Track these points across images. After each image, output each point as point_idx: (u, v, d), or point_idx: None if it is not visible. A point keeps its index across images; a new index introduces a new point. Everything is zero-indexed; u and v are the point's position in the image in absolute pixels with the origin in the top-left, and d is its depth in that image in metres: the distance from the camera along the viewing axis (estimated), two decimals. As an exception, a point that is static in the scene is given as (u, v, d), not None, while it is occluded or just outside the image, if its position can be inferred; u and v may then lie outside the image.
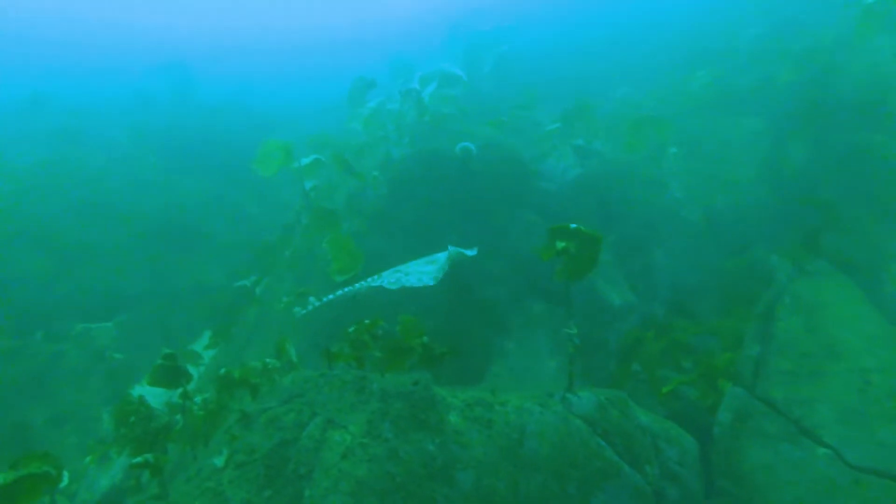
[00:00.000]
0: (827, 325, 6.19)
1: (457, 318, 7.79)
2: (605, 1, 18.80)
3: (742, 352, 6.26)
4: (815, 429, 5.37)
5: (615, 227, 9.14)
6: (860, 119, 9.43)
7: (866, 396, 5.41)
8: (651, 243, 9.17)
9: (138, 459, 4.80)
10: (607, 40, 17.13)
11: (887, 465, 4.93)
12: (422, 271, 7.11)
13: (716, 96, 12.25)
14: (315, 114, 19.50)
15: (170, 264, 13.01)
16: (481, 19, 19.64)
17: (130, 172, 15.18)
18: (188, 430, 5.64)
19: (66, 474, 4.85)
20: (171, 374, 5.68)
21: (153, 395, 6.58)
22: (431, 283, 6.83)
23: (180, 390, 5.73)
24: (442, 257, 6.94)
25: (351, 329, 5.77)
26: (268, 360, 5.94)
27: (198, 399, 5.98)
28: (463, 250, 7.05)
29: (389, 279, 7.10)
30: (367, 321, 5.78)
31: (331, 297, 7.27)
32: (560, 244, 5.48)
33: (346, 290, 7.23)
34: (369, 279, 7.30)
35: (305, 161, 9.83)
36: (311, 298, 7.45)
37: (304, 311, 7.46)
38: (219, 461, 4.65)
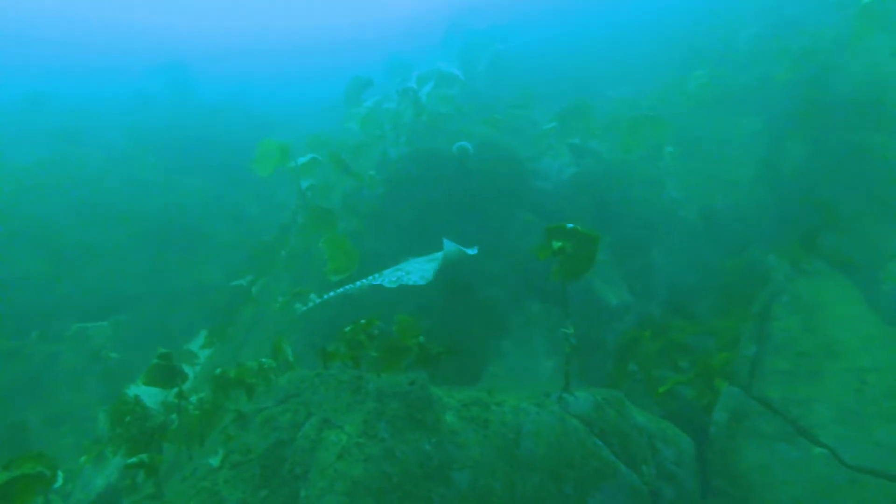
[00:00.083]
0: (824, 325, 6.19)
1: (453, 317, 7.77)
2: (603, 0, 18.80)
3: (739, 351, 6.25)
4: (811, 428, 5.37)
5: (612, 227, 9.13)
6: (858, 118, 9.43)
7: (863, 396, 5.41)
8: (648, 243, 9.16)
9: (133, 460, 4.79)
10: (605, 39, 17.13)
11: (884, 464, 4.92)
12: (423, 269, 7.13)
13: (714, 96, 12.25)
14: (314, 113, 19.50)
15: (168, 264, 13.00)
16: (478, 18, 19.66)
17: (129, 172, 15.18)
18: (184, 430, 5.63)
19: (60, 475, 4.84)
20: (166, 374, 5.66)
21: (149, 395, 6.57)
22: (431, 278, 6.86)
23: (176, 390, 5.72)
24: (441, 255, 6.95)
25: (347, 329, 5.76)
26: (264, 359, 5.92)
27: (193, 399, 5.96)
28: (463, 248, 7.05)
29: (390, 277, 7.12)
30: (363, 321, 5.77)
31: (332, 294, 7.28)
32: (557, 244, 5.47)
33: (347, 287, 7.25)
34: (370, 277, 7.32)
35: (302, 160, 9.82)
36: (312, 296, 7.46)
37: (305, 308, 7.46)
38: (214, 461, 4.64)
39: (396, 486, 4.38)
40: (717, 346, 7.14)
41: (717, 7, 15.40)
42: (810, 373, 5.76)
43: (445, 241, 6.77)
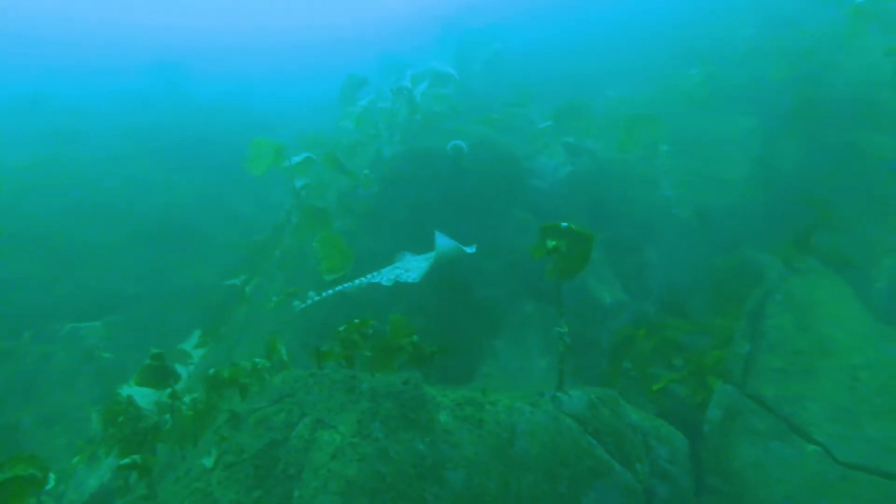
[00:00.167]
0: (817, 323, 6.22)
1: (447, 316, 7.77)
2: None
3: (732, 349, 6.27)
4: (804, 426, 5.39)
5: (607, 226, 9.13)
6: (853, 118, 9.48)
7: (856, 394, 5.43)
8: (643, 242, 9.17)
9: (126, 461, 4.77)
10: (601, 38, 17.13)
11: (875, 461, 4.95)
12: (421, 267, 7.14)
13: (709, 94, 12.27)
14: (311, 112, 19.47)
15: (163, 264, 12.96)
16: (474, 17, 19.65)
17: (125, 172, 15.14)
18: (177, 431, 5.61)
19: (52, 476, 4.82)
20: (159, 374, 5.64)
21: (143, 395, 6.54)
22: (423, 274, 6.87)
23: (169, 390, 5.70)
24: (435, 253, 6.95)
25: (341, 328, 5.75)
26: (257, 359, 5.91)
27: (187, 399, 5.94)
28: (461, 246, 7.04)
29: (389, 276, 7.13)
30: (357, 320, 5.76)
31: (330, 291, 7.28)
32: (551, 243, 5.47)
33: (346, 285, 7.25)
34: (369, 276, 7.33)
35: (296, 160, 9.79)
36: (311, 293, 7.45)
37: (303, 306, 7.45)
38: (208, 462, 4.62)
39: (390, 485, 4.38)
40: (711, 345, 7.15)
41: (713, 6, 15.43)
42: (803, 371, 5.78)
43: (439, 235, 6.75)
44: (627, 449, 5.23)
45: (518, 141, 10.47)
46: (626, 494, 4.99)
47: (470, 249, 7.31)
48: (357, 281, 7.29)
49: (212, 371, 5.84)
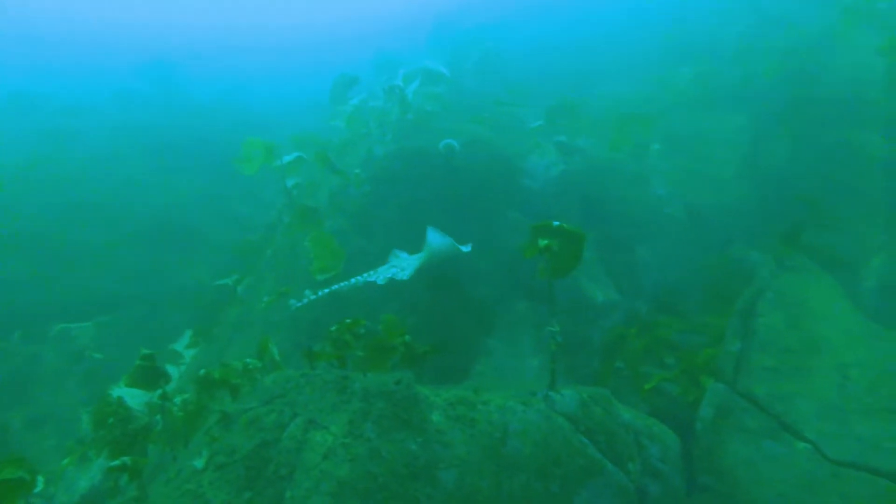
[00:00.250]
0: (808, 322, 6.24)
1: (440, 315, 7.76)
2: (591, -1, 18.86)
3: (723, 348, 6.28)
4: (795, 424, 5.41)
5: (599, 225, 9.14)
6: (842, 115, 9.52)
7: (846, 392, 5.46)
8: (635, 240, 9.19)
9: (116, 462, 4.74)
10: (593, 37, 17.16)
11: (865, 458, 4.98)
12: (415, 265, 7.15)
13: (700, 93, 12.32)
14: (304, 111, 19.42)
15: (156, 264, 12.90)
16: (467, 16, 19.62)
17: (122, 172, 15.07)
18: (168, 431, 5.57)
19: (40, 479, 4.78)
20: (149, 375, 5.61)
21: (134, 396, 6.49)
22: (415, 271, 6.87)
23: (160, 391, 5.66)
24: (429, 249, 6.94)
25: (333, 328, 5.73)
26: (249, 359, 5.88)
27: (178, 400, 5.90)
28: (456, 244, 7.02)
29: (385, 275, 7.13)
30: (349, 320, 5.74)
31: (326, 290, 7.26)
32: (543, 242, 5.46)
33: (342, 284, 7.24)
34: (365, 274, 7.32)
35: (287, 159, 9.75)
36: (307, 291, 7.43)
37: (299, 304, 7.43)
38: (199, 463, 4.59)
39: (382, 486, 4.36)
40: (704, 343, 7.17)
41: (704, 5, 15.49)
42: (794, 369, 5.80)
43: (435, 232, 6.73)
44: (619, 448, 5.24)
45: (510, 140, 10.47)
46: (618, 493, 5.00)
47: (466, 248, 7.31)
48: (353, 280, 7.28)
49: (203, 371, 5.80)
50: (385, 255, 7.82)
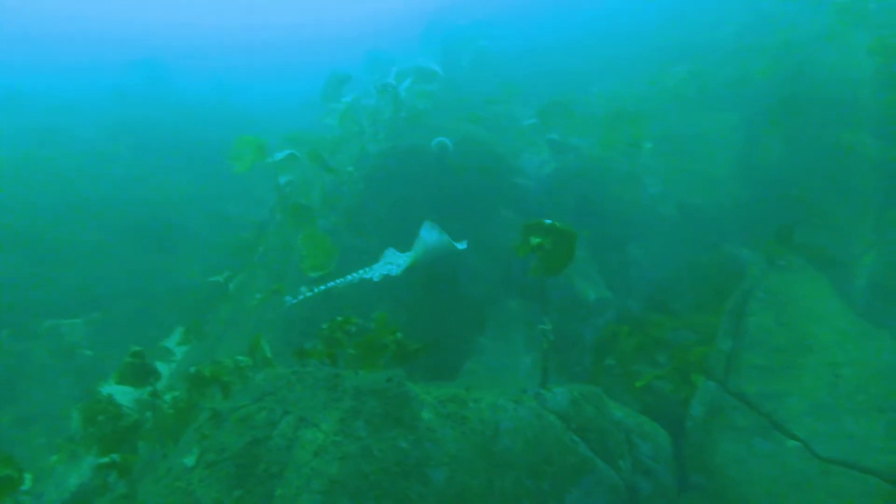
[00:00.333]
0: (799, 320, 6.26)
1: (432, 313, 7.75)
2: (584, -4, 18.87)
3: (714, 346, 6.30)
4: (786, 422, 5.43)
5: (591, 223, 9.14)
6: (835, 114, 9.55)
7: (836, 390, 5.48)
8: (627, 239, 9.20)
9: (105, 460, 4.71)
10: (586, 35, 17.18)
11: (855, 456, 4.99)
12: (409, 261, 7.15)
13: (693, 92, 12.34)
14: (296, 109, 19.34)
15: (147, 261, 12.85)
16: (459, 14, 19.57)
17: (107, 170, 15.00)
18: (158, 429, 5.55)
19: (28, 476, 4.75)
20: (138, 372, 5.58)
21: (124, 393, 6.46)
22: (413, 261, 6.87)
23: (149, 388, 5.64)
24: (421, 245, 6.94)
25: (325, 326, 5.71)
26: (239, 357, 5.85)
27: (168, 397, 5.87)
28: (451, 240, 7.01)
29: (380, 271, 7.12)
30: (340, 318, 5.72)
31: (322, 287, 7.24)
32: (535, 240, 5.47)
33: (338, 281, 7.23)
34: (360, 271, 7.31)
35: (279, 156, 9.72)
36: (303, 288, 7.41)
37: (294, 301, 7.40)
38: (189, 460, 4.57)
39: (373, 484, 4.35)
40: (695, 341, 7.18)
41: (697, 4, 15.52)
42: (785, 367, 5.82)
43: (430, 228, 6.71)
44: (611, 446, 5.24)
45: (503, 138, 10.48)
46: (609, 491, 5.00)
47: (461, 245, 7.30)
48: (349, 277, 7.27)
49: (193, 369, 5.78)
50: (378, 253, 7.81)
